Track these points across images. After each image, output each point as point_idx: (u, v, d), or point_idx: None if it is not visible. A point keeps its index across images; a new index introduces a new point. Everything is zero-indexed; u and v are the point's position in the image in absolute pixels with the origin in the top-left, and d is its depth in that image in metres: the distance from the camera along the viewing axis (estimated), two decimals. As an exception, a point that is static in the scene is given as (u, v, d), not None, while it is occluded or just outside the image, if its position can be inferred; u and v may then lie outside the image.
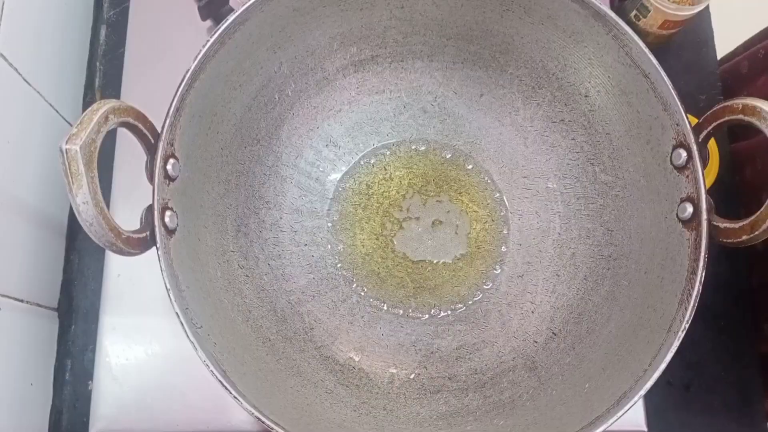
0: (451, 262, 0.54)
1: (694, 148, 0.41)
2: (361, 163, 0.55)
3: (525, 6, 0.47)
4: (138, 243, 0.37)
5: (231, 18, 0.42)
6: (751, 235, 0.39)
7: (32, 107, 0.53)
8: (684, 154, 0.42)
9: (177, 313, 0.37)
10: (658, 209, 0.44)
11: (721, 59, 0.65)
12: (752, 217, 0.39)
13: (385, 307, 0.52)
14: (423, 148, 0.56)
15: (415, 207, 0.54)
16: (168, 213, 0.39)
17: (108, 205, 0.51)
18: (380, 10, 0.49)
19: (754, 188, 0.59)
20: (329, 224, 0.54)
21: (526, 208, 0.54)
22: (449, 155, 0.55)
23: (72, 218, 0.58)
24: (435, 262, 0.54)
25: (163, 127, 0.39)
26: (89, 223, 0.34)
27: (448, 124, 0.55)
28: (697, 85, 0.63)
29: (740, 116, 0.39)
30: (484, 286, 0.53)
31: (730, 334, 0.55)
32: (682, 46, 0.63)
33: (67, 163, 0.33)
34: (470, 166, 0.55)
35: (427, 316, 0.52)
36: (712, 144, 0.58)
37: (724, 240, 0.40)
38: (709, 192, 0.41)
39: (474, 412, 0.46)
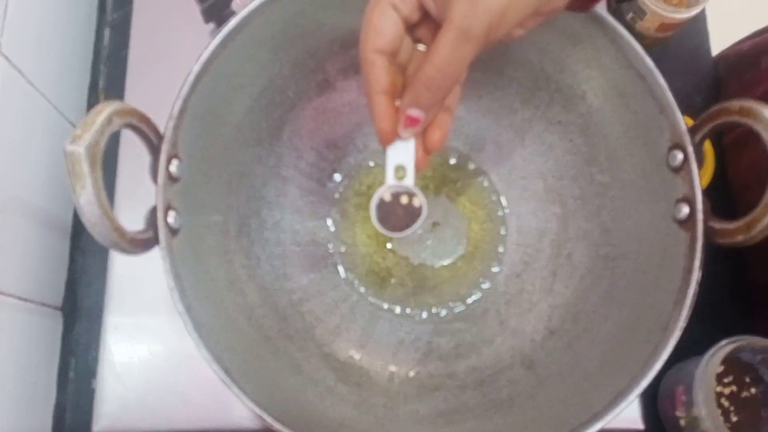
0: (450, 262, 0.54)
1: (690, 149, 0.41)
2: (362, 164, 0.56)
3: (523, 9, 0.47)
4: (142, 243, 0.38)
5: (233, 20, 0.42)
6: (747, 236, 0.39)
7: (36, 109, 0.53)
8: (680, 155, 0.42)
9: (180, 313, 0.38)
10: (655, 210, 0.45)
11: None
12: (748, 218, 0.39)
13: (386, 306, 0.53)
14: (423, 149, 0.56)
15: (414, 207, 0.55)
16: (171, 213, 0.40)
17: (112, 206, 0.51)
18: (380, 12, 0.49)
19: (749, 181, 0.59)
20: (330, 225, 0.54)
21: (524, 208, 0.54)
22: (448, 157, 0.56)
23: (76, 218, 0.58)
24: (435, 262, 0.54)
25: (166, 129, 0.40)
26: (93, 223, 0.34)
27: (448, 126, 0.56)
28: (694, 86, 0.63)
29: (736, 118, 0.39)
30: (483, 286, 0.54)
31: (728, 333, 0.55)
32: (678, 49, 0.64)
33: (71, 165, 0.33)
34: (469, 168, 0.56)
35: (426, 315, 0.53)
36: (707, 144, 0.59)
37: (720, 240, 0.40)
38: (705, 192, 0.41)
39: (473, 410, 0.47)
